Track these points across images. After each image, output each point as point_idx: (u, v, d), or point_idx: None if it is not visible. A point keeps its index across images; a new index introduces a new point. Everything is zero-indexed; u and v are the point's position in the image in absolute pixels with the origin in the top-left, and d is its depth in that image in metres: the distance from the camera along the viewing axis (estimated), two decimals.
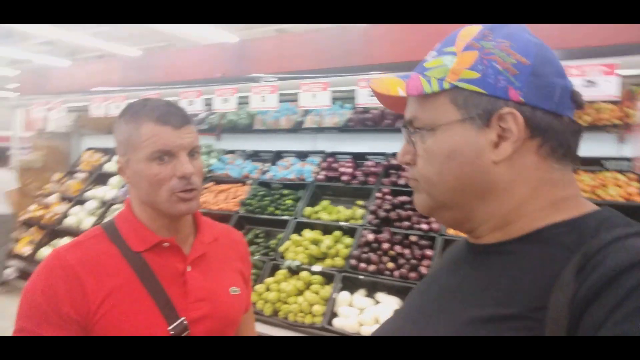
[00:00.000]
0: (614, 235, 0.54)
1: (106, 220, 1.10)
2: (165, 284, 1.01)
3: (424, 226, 2.82)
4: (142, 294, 0.98)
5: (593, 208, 0.64)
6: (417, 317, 0.71)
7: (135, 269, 0.99)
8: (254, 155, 4.17)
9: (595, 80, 2.19)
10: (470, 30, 0.68)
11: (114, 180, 4.59)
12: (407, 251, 2.75)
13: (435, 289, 0.73)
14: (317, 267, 2.87)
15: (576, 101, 0.65)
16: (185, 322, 1.00)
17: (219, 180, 3.93)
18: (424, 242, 2.77)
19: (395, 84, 0.70)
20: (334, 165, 3.52)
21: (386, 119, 3.54)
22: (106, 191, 4.52)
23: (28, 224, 4.76)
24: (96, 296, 0.94)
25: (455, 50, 0.66)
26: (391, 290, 2.70)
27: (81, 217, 4.37)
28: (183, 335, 0.99)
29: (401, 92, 0.69)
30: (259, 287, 2.85)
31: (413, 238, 2.80)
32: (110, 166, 4.80)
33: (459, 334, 0.60)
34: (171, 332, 0.97)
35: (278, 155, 3.97)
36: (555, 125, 0.63)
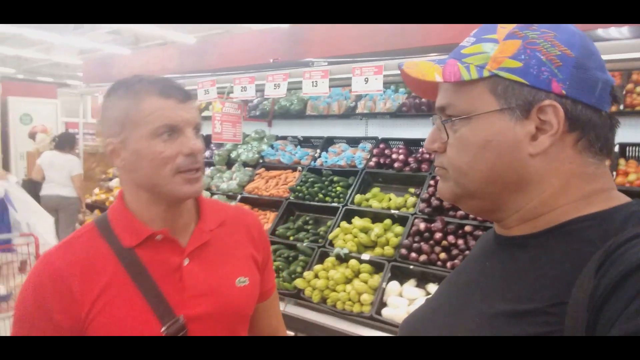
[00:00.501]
0: (637, 231, 0.53)
1: (101, 215, 1.05)
2: (159, 281, 0.94)
3: None
4: (134, 294, 0.92)
5: (623, 201, 0.63)
6: (444, 308, 0.72)
7: (126, 267, 0.93)
8: (305, 142, 4.14)
9: None
10: None
11: None
12: (460, 242, 2.63)
13: (463, 280, 0.74)
14: (366, 256, 2.81)
15: (614, 96, 0.65)
16: (182, 320, 0.93)
17: (269, 167, 3.95)
18: (479, 233, 2.63)
19: (431, 69, 0.67)
20: (386, 151, 3.42)
21: None
22: None
23: (92, 206, 5.02)
24: (85, 299, 0.89)
25: (497, 38, 0.64)
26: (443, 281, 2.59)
27: None
28: (180, 334, 0.92)
29: (438, 78, 0.65)
30: (308, 274, 2.83)
31: (468, 228, 2.67)
32: None
33: (480, 328, 0.61)
34: (165, 333, 0.91)
35: (329, 141, 3.93)
36: (595, 120, 0.62)
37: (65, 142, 5.37)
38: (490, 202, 0.67)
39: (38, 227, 3.06)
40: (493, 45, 0.64)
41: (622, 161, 2.67)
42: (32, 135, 7.47)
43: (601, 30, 2.35)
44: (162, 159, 0.92)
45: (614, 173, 2.58)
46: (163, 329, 0.91)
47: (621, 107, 2.82)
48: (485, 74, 0.63)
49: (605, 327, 0.47)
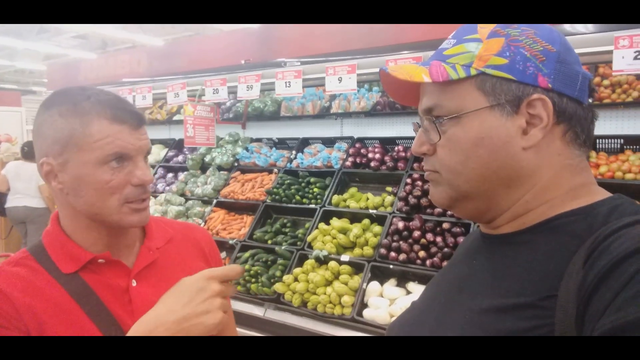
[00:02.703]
0: (622, 223, 0.54)
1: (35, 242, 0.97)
2: (108, 304, 0.88)
3: None
4: (81, 319, 0.85)
5: (605, 195, 0.65)
6: (433, 308, 0.72)
7: (71, 292, 0.86)
8: (281, 143, 4.09)
9: None
10: None
11: None
12: (439, 239, 2.63)
13: (450, 279, 0.75)
14: (345, 257, 2.79)
15: (591, 89, 0.68)
16: None
17: (245, 170, 3.89)
18: (457, 230, 2.64)
19: (417, 70, 0.68)
20: (362, 151, 3.41)
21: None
22: None
23: None
24: (29, 319, 0.81)
25: (480, 37, 0.66)
26: (423, 279, 2.59)
27: None
28: None
29: (426, 79, 0.66)
30: (287, 278, 2.79)
31: (446, 225, 2.68)
32: None
33: (470, 324, 0.62)
34: None
35: (304, 142, 3.89)
36: (579, 112, 0.65)
37: (33, 151, 5.17)
38: (485, 201, 0.68)
39: None
40: (477, 45, 0.65)
41: (592, 154, 2.72)
42: None
43: (568, 25, 2.39)
44: (108, 188, 0.86)
45: None
46: None
47: (590, 100, 2.86)
48: (473, 72, 0.64)
49: (594, 317, 0.49)
